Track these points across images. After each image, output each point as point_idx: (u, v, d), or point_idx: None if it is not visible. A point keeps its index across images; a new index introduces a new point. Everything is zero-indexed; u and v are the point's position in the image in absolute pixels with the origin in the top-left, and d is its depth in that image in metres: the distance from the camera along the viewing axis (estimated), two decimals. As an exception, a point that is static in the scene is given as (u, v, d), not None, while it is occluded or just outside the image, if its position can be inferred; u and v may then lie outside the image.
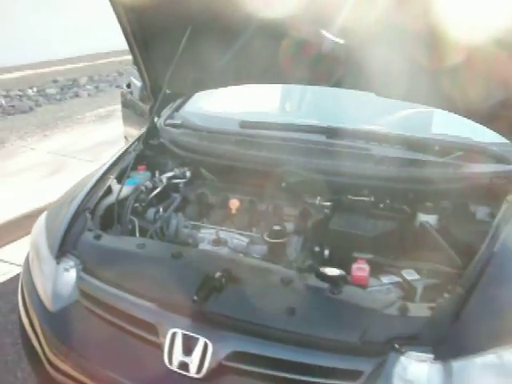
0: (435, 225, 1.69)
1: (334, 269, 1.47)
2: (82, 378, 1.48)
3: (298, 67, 1.76)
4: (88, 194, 1.88)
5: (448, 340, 1.27)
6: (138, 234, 1.81)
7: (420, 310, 1.34)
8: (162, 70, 1.99)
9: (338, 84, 1.84)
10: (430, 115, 2.10)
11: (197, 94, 2.45)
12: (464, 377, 1.24)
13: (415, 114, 2.06)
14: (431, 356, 1.24)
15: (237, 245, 1.73)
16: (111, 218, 1.82)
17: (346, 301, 1.37)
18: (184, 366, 1.34)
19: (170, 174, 2.07)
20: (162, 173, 2.08)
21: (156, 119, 2.25)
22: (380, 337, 1.28)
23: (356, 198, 1.76)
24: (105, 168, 2.02)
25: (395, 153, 1.82)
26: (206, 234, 1.78)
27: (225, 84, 2.10)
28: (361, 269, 1.50)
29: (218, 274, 1.42)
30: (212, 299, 1.40)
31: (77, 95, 6.81)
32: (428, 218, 1.70)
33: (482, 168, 1.74)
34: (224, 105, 2.47)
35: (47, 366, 1.57)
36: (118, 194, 1.82)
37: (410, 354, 1.25)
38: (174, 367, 1.35)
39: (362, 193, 1.77)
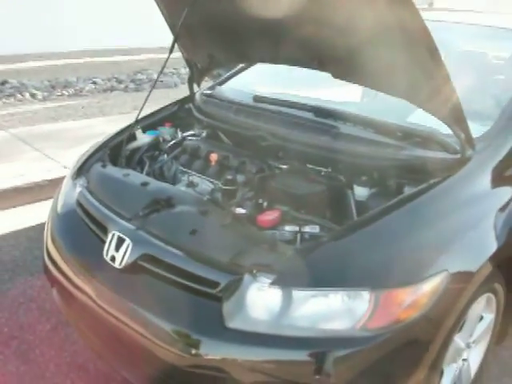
0: (365, 196, 1.96)
1: (243, 210, 1.87)
2: (59, 261, 2.08)
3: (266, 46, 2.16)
4: (113, 136, 2.51)
5: (295, 273, 1.60)
6: (145, 172, 2.37)
7: (285, 249, 1.68)
8: (193, 49, 2.53)
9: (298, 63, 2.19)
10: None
11: (245, 73, 2.96)
12: (301, 304, 1.57)
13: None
14: (273, 281, 1.59)
15: (203, 189, 2.19)
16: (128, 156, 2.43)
17: (235, 231, 1.77)
18: (113, 258, 1.86)
19: (188, 133, 2.60)
20: (184, 131, 2.62)
21: (197, 89, 2.80)
22: (245, 261, 1.66)
23: (305, 165, 2.10)
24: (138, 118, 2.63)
25: (350, 131, 2.11)
26: (186, 177, 2.27)
27: (231, 61, 2.57)
28: (267, 215, 1.87)
29: (162, 200, 1.93)
30: (150, 216, 1.90)
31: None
32: (360, 190, 1.97)
33: (421, 153, 1.95)
34: (266, 85, 2.92)
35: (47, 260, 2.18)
36: (127, 136, 2.41)
37: (259, 278, 1.61)
38: (108, 259, 1.88)
39: (314, 161, 2.10)
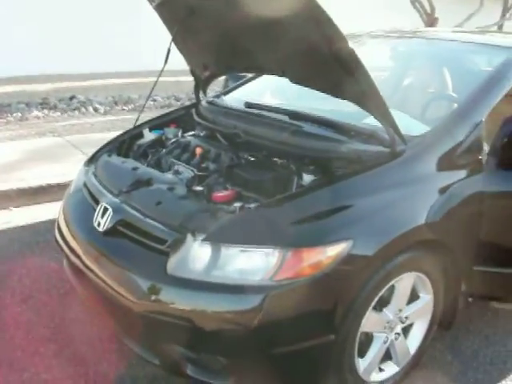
0: (308, 182, 2.38)
1: (201, 188, 2.36)
2: (65, 232, 2.63)
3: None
4: (123, 134, 3.09)
5: (223, 233, 2.07)
6: (147, 163, 2.92)
7: (223, 214, 2.15)
8: (191, 60, 3.08)
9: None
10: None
11: (249, 84, 3.48)
12: (226, 257, 2.02)
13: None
14: (205, 238, 2.06)
15: (187, 176, 2.69)
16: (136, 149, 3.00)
17: (188, 203, 2.26)
18: (99, 224, 2.40)
19: (189, 133, 3.13)
20: (185, 131, 3.15)
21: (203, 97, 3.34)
22: (189, 224, 2.14)
23: (268, 156, 2.56)
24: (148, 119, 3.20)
25: (307, 128, 2.55)
26: (175, 167, 2.79)
27: (221, 71, 3.08)
28: (221, 193, 2.34)
29: (143, 180, 2.47)
30: (131, 192, 2.44)
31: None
32: (306, 177, 2.40)
33: (361, 146, 2.36)
34: (262, 94, 3.41)
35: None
36: (130, 130, 2.98)
37: (197, 237, 2.09)
38: (95, 224, 2.42)
39: (275, 153, 2.56)
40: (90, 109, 7.16)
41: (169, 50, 2.81)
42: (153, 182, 2.45)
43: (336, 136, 2.46)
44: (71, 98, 7.51)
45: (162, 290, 2.06)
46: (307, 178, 2.38)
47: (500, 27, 11.25)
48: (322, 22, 2.01)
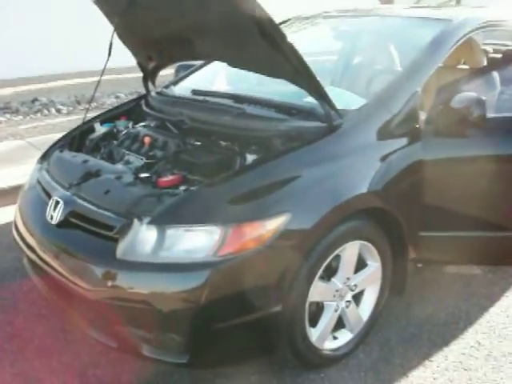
0: (252, 161, 2.48)
1: (147, 174, 2.45)
2: (22, 229, 2.70)
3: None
4: (75, 129, 3.16)
5: (167, 215, 2.16)
6: (100, 156, 2.99)
7: (168, 198, 2.25)
8: (137, 53, 3.16)
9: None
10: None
11: (199, 72, 3.57)
12: (171, 238, 2.12)
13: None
14: (150, 221, 2.15)
15: (137, 164, 2.78)
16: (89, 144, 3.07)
17: (134, 189, 2.35)
18: (51, 217, 2.48)
19: (139, 125, 3.21)
20: (136, 123, 3.23)
21: (153, 88, 3.42)
22: (136, 210, 2.23)
23: (213, 140, 2.66)
24: (99, 113, 3.27)
25: (249, 110, 2.64)
26: (126, 157, 2.87)
27: (164, 62, 3.17)
28: (166, 178, 2.43)
29: (92, 172, 2.55)
30: (81, 184, 2.52)
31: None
32: (250, 157, 2.50)
33: (300, 123, 2.46)
34: (214, 81, 3.51)
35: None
36: (82, 125, 3.05)
37: (143, 221, 2.18)
38: (48, 218, 2.50)
39: (220, 136, 2.65)
40: (53, 110, 7.19)
41: (111, 44, 2.89)
42: (102, 172, 2.53)
43: (277, 115, 2.56)
44: (33, 101, 7.52)
45: (113, 275, 2.15)
46: (250, 158, 2.48)
47: (458, 2, 11.45)
48: None
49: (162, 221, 2.14)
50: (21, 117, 6.96)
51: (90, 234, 2.31)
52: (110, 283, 2.15)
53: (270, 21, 2.16)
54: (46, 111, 7.12)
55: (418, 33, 3.08)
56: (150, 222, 2.14)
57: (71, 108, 7.30)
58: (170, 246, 2.10)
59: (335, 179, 2.30)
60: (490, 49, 3.98)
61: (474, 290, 3.14)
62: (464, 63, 3.39)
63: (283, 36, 2.20)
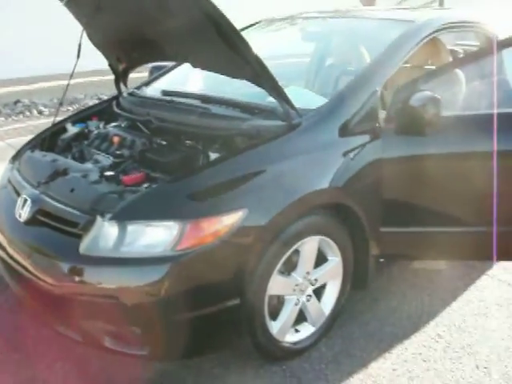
0: (212, 159, 2.57)
1: (112, 172, 2.54)
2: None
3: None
4: (48, 129, 3.25)
5: (128, 211, 2.25)
6: (71, 156, 3.07)
7: (129, 195, 2.33)
8: (107, 54, 3.25)
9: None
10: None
11: (171, 73, 3.66)
12: (132, 233, 2.21)
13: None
14: (112, 217, 2.24)
15: (105, 163, 2.86)
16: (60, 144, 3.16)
17: (99, 187, 2.44)
18: (20, 215, 2.57)
19: (111, 124, 3.30)
20: (107, 123, 3.32)
21: (125, 89, 3.52)
22: (99, 207, 2.32)
23: (178, 139, 2.75)
24: (71, 114, 3.36)
25: (214, 110, 2.74)
26: (95, 156, 2.96)
27: (133, 63, 3.26)
28: (130, 176, 2.52)
29: (60, 171, 2.63)
30: (49, 182, 2.60)
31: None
32: (213, 155, 2.59)
33: (261, 122, 2.56)
34: (185, 82, 3.60)
35: None
36: (53, 126, 3.14)
37: (105, 217, 2.27)
38: (17, 216, 2.58)
39: (185, 135, 2.74)
40: (35, 112, 7.27)
41: (79, 45, 2.98)
42: (69, 171, 2.62)
43: (240, 115, 2.66)
44: (16, 103, 7.60)
45: (76, 270, 2.23)
46: (212, 156, 2.58)
47: (441, 3, 11.61)
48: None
49: (123, 217, 2.23)
50: (3, 118, 7.03)
51: (55, 231, 2.39)
52: (73, 278, 2.23)
53: (228, 24, 2.25)
54: (28, 113, 7.20)
55: (382, 34, 3.19)
56: (111, 219, 2.22)
57: (53, 110, 7.37)
58: (131, 242, 2.19)
59: (293, 176, 2.40)
60: (460, 50, 4.10)
61: (438, 284, 3.24)
62: (430, 63, 3.49)
63: (241, 38, 2.30)
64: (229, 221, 2.18)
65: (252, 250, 2.25)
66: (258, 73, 2.40)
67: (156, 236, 2.17)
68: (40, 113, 7.26)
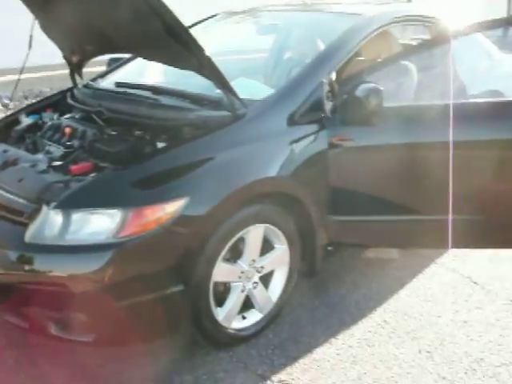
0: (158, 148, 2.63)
1: (60, 162, 2.59)
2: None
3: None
4: (1, 121, 3.28)
5: (71, 199, 2.31)
6: (24, 146, 3.10)
7: (75, 184, 2.39)
8: (63, 45, 3.29)
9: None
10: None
11: (125, 67, 3.71)
12: (76, 221, 2.26)
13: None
14: (56, 206, 2.29)
15: (56, 154, 2.90)
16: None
17: (46, 176, 2.48)
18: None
19: (65, 116, 3.34)
20: (61, 115, 3.36)
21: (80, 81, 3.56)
22: (46, 196, 2.36)
23: (128, 129, 2.80)
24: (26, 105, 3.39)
25: (163, 101, 2.81)
26: (47, 147, 3.00)
27: (86, 56, 3.31)
28: (78, 165, 2.57)
29: (10, 161, 2.67)
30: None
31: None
32: (160, 145, 2.65)
33: (208, 113, 2.63)
34: (141, 73, 3.65)
35: None
36: (7, 117, 3.17)
37: (50, 205, 2.32)
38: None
39: (135, 126, 2.80)
40: (-1, 105, 7.24)
41: (31, 37, 3.01)
42: (19, 162, 2.66)
43: (189, 106, 2.73)
44: (-21, 96, 7.56)
45: (22, 258, 2.28)
46: (159, 145, 2.64)
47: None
48: None
49: (68, 205, 2.28)
50: (-34, 112, 6.99)
51: (5, 220, 2.43)
52: (19, 266, 2.28)
53: (172, 16, 2.31)
54: (-9, 106, 7.16)
55: (332, 27, 3.28)
56: (56, 207, 2.28)
57: (18, 103, 7.35)
58: (76, 230, 2.24)
59: (237, 165, 2.47)
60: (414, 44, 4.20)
61: (388, 272, 3.35)
62: (382, 56, 3.58)
63: (185, 30, 2.36)
64: (171, 208, 2.25)
65: (194, 237, 2.31)
66: (203, 64, 2.46)
67: (100, 224, 2.23)
68: (5, 106, 7.23)
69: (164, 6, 2.29)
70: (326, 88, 2.78)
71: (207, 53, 2.43)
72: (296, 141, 2.67)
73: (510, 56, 3.95)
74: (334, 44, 2.94)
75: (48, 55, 8.61)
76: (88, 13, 2.77)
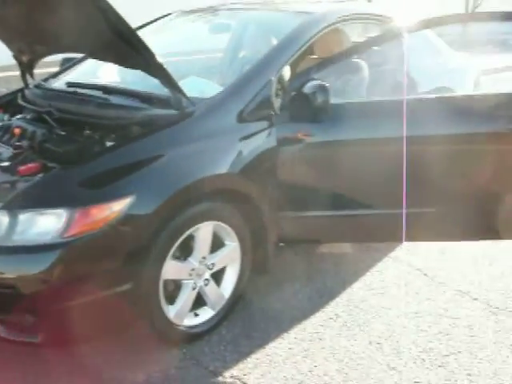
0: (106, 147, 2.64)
1: (8, 163, 2.58)
2: None
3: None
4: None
5: (17, 200, 2.31)
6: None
7: (23, 184, 2.39)
8: (12, 45, 3.27)
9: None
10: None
11: (77, 67, 3.71)
12: (22, 221, 2.27)
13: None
14: (2, 207, 2.29)
15: (5, 155, 2.89)
16: None
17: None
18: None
19: (17, 116, 3.32)
20: (12, 115, 3.34)
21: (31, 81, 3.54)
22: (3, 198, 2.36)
23: (78, 129, 2.81)
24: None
25: (112, 100, 2.82)
26: (-5, 148, 2.98)
27: (34, 56, 3.30)
28: (26, 166, 2.57)
29: None
30: None
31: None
32: (109, 144, 2.67)
33: (156, 112, 2.66)
34: (93, 73, 3.65)
35: None
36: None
37: (-4, 207, 2.32)
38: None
39: (85, 126, 2.81)
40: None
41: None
42: None
43: (139, 105, 2.75)
44: None
45: None
46: (107, 145, 2.65)
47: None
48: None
49: (14, 206, 2.29)
50: None
51: None
52: None
53: (119, 16, 2.33)
54: None
55: (282, 25, 3.32)
56: (2, 208, 2.28)
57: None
58: (23, 230, 2.24)
59: (184, 163, 2.50)
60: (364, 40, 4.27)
61: (341, 267, 3.42)
62: (332, 53, 3.65)
63: (130, 30, 2.38)
64: (117, 207, 2.27)
65: (141, 236, 2.34)
66: (150, 63, 2.49)
67: (46, 224, 2.24)
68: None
69: (110, 6, 2.31)
70: (275, 85, 2.82)
71: (155, 52, 2.46)
72: (245, 138, 2.71)
73: (459, 53, 4.07)
74: (282, 42, 2.99)
75: (3, 55, 8.62)
76: (34, 12, 2.76)
